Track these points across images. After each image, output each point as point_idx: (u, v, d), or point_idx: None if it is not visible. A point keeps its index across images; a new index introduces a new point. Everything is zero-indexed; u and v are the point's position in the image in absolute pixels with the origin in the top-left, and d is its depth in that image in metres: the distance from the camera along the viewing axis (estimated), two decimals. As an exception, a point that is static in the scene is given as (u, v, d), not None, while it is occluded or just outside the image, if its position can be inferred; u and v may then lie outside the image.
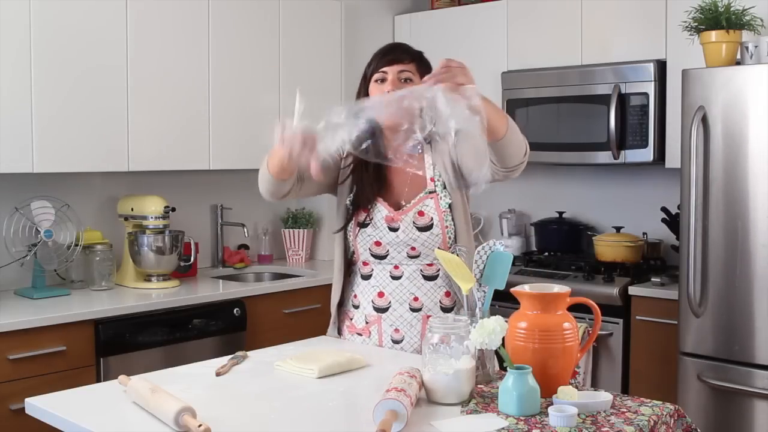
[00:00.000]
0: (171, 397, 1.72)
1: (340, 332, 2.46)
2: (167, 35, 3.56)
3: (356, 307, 2.40)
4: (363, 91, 2.33)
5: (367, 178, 2.33)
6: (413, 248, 2.29)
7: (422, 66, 2.30)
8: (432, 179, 2.31)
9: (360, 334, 2.39)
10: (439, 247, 2.28)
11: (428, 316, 2.29)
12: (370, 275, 2.36)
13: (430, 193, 2.30)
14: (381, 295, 2.33)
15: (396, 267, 2.32)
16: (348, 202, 2.36)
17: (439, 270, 2.31)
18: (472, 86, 1.90)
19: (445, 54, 4.88)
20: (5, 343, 2.84)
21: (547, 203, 4.38)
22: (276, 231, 4.40)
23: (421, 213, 2.29)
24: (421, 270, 2.31)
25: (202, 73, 3.70)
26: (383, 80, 2.28)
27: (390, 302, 2.33)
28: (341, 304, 2.44)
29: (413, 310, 2.31)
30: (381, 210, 2.31)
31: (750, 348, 3.05)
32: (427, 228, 2.28)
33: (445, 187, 2.31)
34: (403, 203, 2.31)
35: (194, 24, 3.66)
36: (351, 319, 2.42)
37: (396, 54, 2.30)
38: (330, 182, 2.39)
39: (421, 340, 2.28)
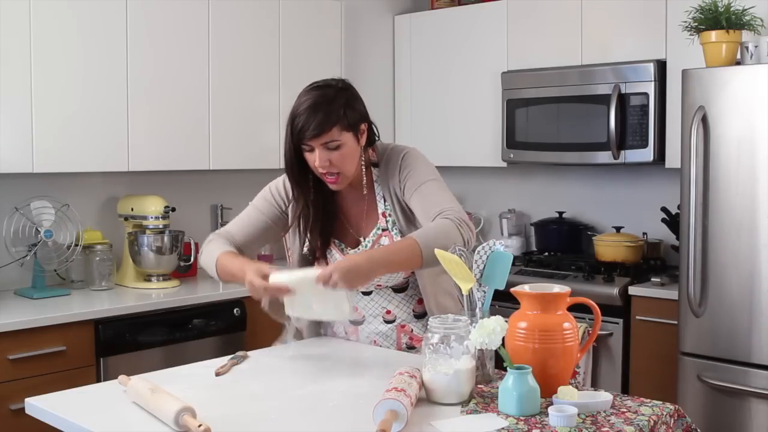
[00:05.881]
0: (171, 397, 1.72)
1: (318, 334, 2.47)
2: (167, 35, 3.56)
3: None
4: (292, 150, 2.16)
5: (317, 226, 2.24)
6: (378, 285, 2.28)
7: (346, 119, 2.12)
8: (384, 214, 2.25)
9: None
10: (405, 278, 2.26)
11: (403, 326, 2.30)
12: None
13: (384, 230, 2.25)
14: (355, 309, 2.32)
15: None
16: (306, 252, 2.30)
17: (408, 280, 2.29)
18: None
19: (445, 54, 4.93)
20: (5, 343, 2.84)
21: (547, 203, 4.38)
22: (276, 231, 4.40)
23: None
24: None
25: (202, 73, 3.70)
26: (311, 150, 2.13)
27: (364, 316, 2.32)
28: None
29: (387, 322, 2.31)
30: (338, 258, 2.26)
31: (750, 348, 3.05)
32: None
33: (395, 224, 2.24)
34: (362, 239, 2.26)
35: (194, 24, 3.66)
36: (332, 327, 2.42)
37: (315, 127, 2.08)
38: (276, 237, 2.39)
39: (398, 348, 2.30)
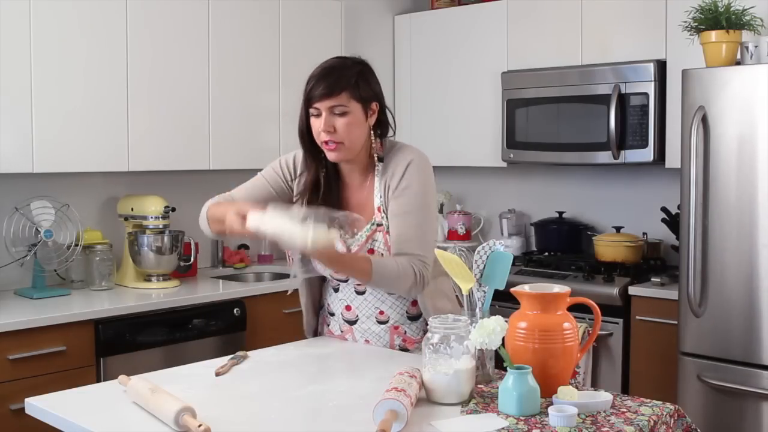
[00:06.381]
0: (171, 397, 1.72)
1: (316, 334, 2.47)
2: (167, 35, 3.56)
3: (332, 314, 2.40)
4: (304, 117, 2.18)
5: (322, 202, 2.20)
6: None
7: (357, 90, 2.13)
8: (379, 209, 2.22)
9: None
10: None
11: (396, 327, 2.30)
12: (338, 288, 2.34)
13: (378, 225, 2.22)
14: (348, 308, 2.33)
15: (359, 284, 2.28)
16: None
17: None
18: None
19: (445, 54, 4.93)
20: (5, 343, 2.84)
21: (547, 203, 4.38)
22: (276, 231, 4.39)
23: (371, 251, 2.22)
24: None
25: (202, 73, 3.70)
26: (318, 115, 2.13)
27: (357, 315, 2.32)
28: (320, 307, 2.44)
29: (380, 322, 2.30)
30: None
31: (750, 348, 3.04)
32: None
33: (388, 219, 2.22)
34: (356, 230, 2.22)
35: (194, 24, 3.66)
36: (328, 325, 2.42)
37: (324, 88, 2.11)
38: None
39: (390, 349, 2.30)
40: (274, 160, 2.37)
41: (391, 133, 2.28)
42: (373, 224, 2.23)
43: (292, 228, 1.91)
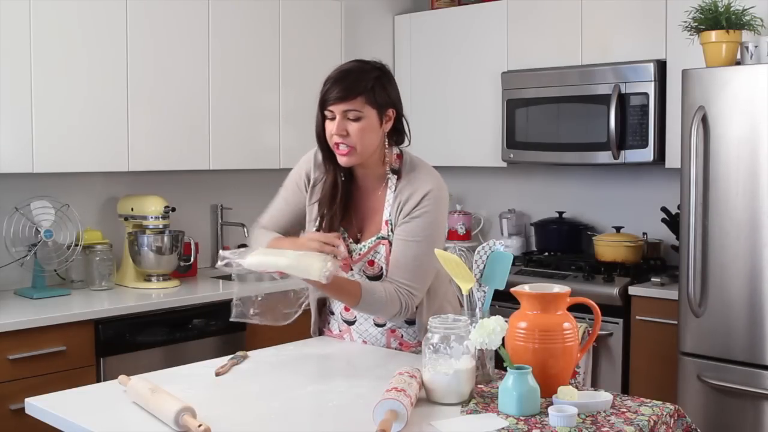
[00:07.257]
0: (171, 397, 1.72)
1: (322, 333, 2.47)
2: (167, 35, 3.56)
3: (332, 313, 2.40)
4: (320, 118, 2.16)
5: (335, 215, 2.22)
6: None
7: (373, 95, 2.11)
8: (387, 222, 2.21)
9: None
10: None
11: (393, 331, 2.29)
12: None
13: (383, 239, 2.21)
14: (348, 308, 2.32)
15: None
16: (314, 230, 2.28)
17: None
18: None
19: (445, 54, 4.93)
20: (5, 343, 2.84)
21: (547, 203, 4.38)
22: (276, 231, 4.39)
23: (371, 263, 2.22)
24: None
25: (202, 73, 3.70)
26: (332, 118, 2.11)
27: (356, 317, 2.32)
28: (323, 304, 2.44)
29: (377, 325, 2.30)
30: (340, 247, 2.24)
31: (750, 348, 3.04)
32: (376, 278, 2.23)
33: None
34: (360, 236, 2.24)
35: (194, 24, 3.66)
36: (329, 324, 2.42)
37: (339, 91, 2.08)
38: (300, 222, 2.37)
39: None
40: (293, 170, 2.35)
41: (406, 142, 2.26)
42: (378, 237, 2.22)
43: (299, 263, 1.97)
